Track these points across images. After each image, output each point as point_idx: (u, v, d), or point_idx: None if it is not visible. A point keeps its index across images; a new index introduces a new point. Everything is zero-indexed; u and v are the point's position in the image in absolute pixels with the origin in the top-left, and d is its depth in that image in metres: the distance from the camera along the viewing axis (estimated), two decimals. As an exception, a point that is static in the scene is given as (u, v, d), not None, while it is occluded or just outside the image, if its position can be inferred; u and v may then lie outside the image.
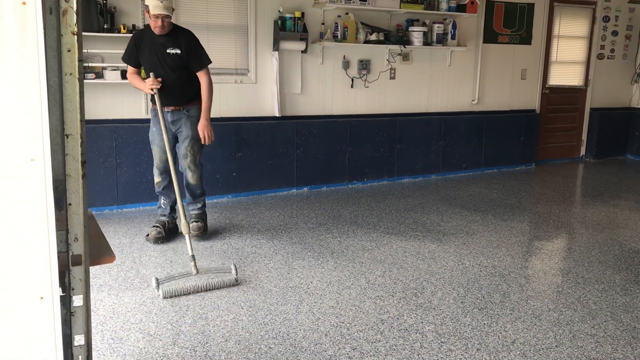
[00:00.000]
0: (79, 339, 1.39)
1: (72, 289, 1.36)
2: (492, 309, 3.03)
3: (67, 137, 1.29)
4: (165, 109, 3.78)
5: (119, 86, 4.58)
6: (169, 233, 3.93)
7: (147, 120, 4.73)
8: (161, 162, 3.85)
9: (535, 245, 4.31)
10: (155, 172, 3.89)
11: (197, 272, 3.20)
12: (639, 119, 7.74)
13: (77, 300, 1.38)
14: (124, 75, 4.49)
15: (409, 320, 2.87)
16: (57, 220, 1.28)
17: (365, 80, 5.74)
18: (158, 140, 3.82)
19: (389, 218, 4.67)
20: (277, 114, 5.26)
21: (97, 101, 4.57)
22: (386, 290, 3.23)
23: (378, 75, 5.81)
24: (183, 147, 3.83)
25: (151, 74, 3.68)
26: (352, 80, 5.67)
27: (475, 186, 5.96)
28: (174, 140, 3.88)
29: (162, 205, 3.98)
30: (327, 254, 3.76)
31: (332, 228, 4.32)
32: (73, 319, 1.38)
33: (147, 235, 3.88)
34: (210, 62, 3.83)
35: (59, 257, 1.30)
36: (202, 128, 3.80)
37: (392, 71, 5.89)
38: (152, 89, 3.68)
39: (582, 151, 7.69)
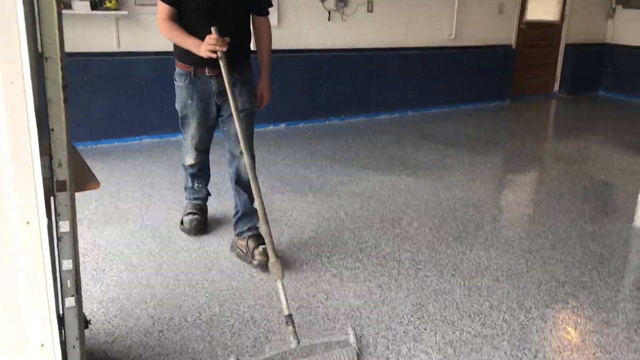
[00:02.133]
0: (67, 264, 1.41)
1: (58, 215, 1.37)
2: (467, 238, 3.13)
3: (47, 60, 1.27)
4: (208, 73, 2.63)
5: (88, 18, 4.43)
6: (206, 219, 3.12)
7: (121, 54, 4.64)
8: (202, 142, 2.86)
9: (509, 178, 4.42)
10: (191, 153, 2.88)
11: (299, 342, 1.97)
12: (613, 55, 7.80)
13: (64, 226, 1.38)
14: (94, 5, 4.33)
15: (386, 249, 2.95)
16: (40, 146, 1.27)
17: (343, 13, 5.64)
18: (201, 115, 2.72)
19: (366, 153, 4.71)
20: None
21: (66, 33, 4.41)
22: (364, 221, 3.30)
23: (355, 8, 5.71)
24: (235, 127, 2.39)
25: (213, 29, 2.38)
26: (329, 13, 5.57)
27: (451, 122, 6.01)
28: (215, 116, 2.76)
29: (195, 188, 3.07)
30: (306, 188, 3.80)
31: (310, 164, 4.34)
32: (60, 244, 1.39)
33: (182, 224, 3.03)
34: None
35: (43, 183, 1.29)
36: (268, 93, 2.81)
37: (370, 4, 5.79)
38: (215, 52, 2.38)
39: (556, 87, 7.77)
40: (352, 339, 2.04)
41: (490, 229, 3.27)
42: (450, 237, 3.12)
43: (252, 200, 2.74)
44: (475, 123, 5.97)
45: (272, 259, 2.09)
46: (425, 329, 2.24)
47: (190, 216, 3.02)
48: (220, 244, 2.92)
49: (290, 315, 1.98)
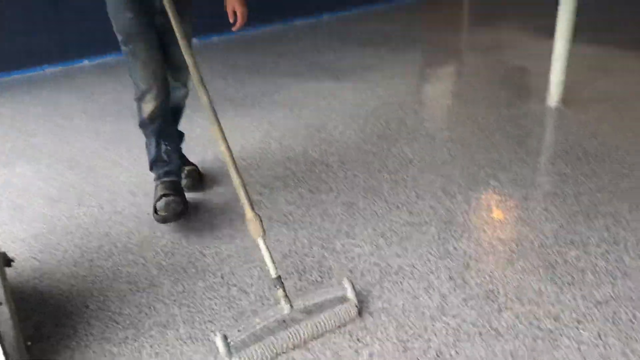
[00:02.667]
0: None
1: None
2: (391, 135, 3.17)
3: None
4: None
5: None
6: (185, 197, 2.37)
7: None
8: (160, 66, 2.21)
9: (428, 72, 4.46)
10: (150, 91, 2.19)
11: (292, 307, 1.70)
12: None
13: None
14: None
15: (313, 154, 2.95)
16: None
17: None
18: (145, 33, 2.15)
19: (285, 62, 4.61)
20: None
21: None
22: (289, 130, 3.27)
23: None
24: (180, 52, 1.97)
25: None
26: None
27: (368, 22, 5.93)
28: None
29: (164, 157, 2.33)
30: (227, 103, 3.70)
31: (228, 77, 4.21)
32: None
33: (156, 212, 2.26)
34: None
35: None
36: (242, 6, 2.29)
37: None
38: None
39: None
40: (350, 293, 1.76)
41: (412, 124, 3.32)
42: (375, 136, 3.15)
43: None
44: (391, 22, 5.92)
45: (249, 214, 1.74)
46: (356, 224, 2.30)
47: (163, 200, 2.26)
48: (144, 166, 2.83)
49: (279, 278, 1.69)
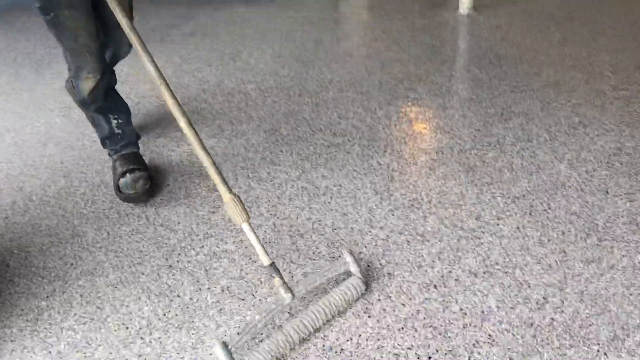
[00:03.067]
0: None
1: None
2: (308, 57, 3.11)
3: None
4: None
5: None
6: (149, 170, 2.10)
7: None
8: (93, 38, 1.86)
9: (340, -10, 4.36)
10: (85, 69, 1.89)
11: (294, 295, 1.46)
12: None
13: None
14: None
15: (230, 84, 2.87)
16: None
17: None
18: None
19: (191, -10, 4.39)
20: None
21: None
22: (203, 61, 3.15)
23: None
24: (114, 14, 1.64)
25: None
26: None
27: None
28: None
29: (117, 131, 2.08)
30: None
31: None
32: None
33: (120, 191, 2.00)
34: None
35: None
36: None
37: None
38: None
39: None
40: (353, 267, 1.56)
41: (329, 44, 3.27)
42: (292, 59, 3.09)
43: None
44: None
45: (226, 197, 1.46)
46: (281, 151, 2.28)
47: (130, 175, 1.97)
48: (50, 115, 2.67)
49: (272, 264, 1.44)
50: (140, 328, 1.51)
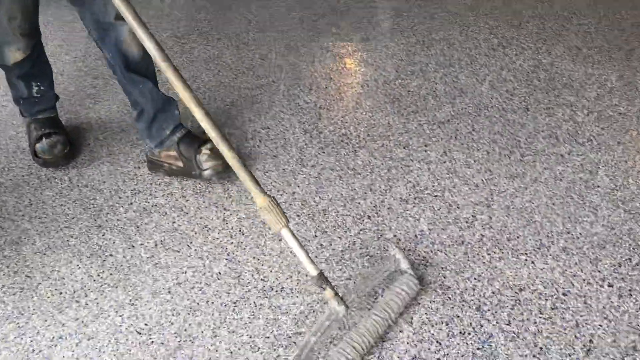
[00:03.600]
0: None
1: None
2: (225, 1, 3.01)
3: None
4: None
5: None
6: (69, 135, 1.99)
7: None
8: (29, 18, 1.71)
9: None
10: (14, 43, 1.72)
11: (348, 307, 1.27)
12: None
13: None
14: None
15: (145, 34, 2.74)
16: None
17: None
18: None
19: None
20: None
21: None
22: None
23: None
24: None
25: None
26: None
27: None
28: None
29: (35, 93, 1.90)
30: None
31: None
32: None
33: (37, 155, 1.90)
34: None
35: None
36: None
37: None
38: None
39: None
40: (403, 264, 1.39)
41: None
42: (207, 3, 2.97)
43: (157, 86, 1.80)
44: None
45: (260, 201, 1.24)
46: (204, 99, 2.21)
47: (47, 140, 1.88)
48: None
49: (321, 275, 1.25)
50: (74, 291, 1.47)
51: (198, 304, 1.41)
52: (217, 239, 1.59)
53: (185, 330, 1.35)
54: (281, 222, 1.22)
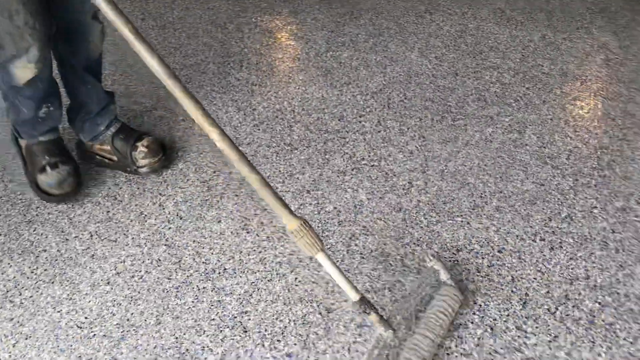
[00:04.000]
0: None
1: None
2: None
3: None
4: None
5: None
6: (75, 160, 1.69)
7: None
8: (43, 17, 1.39)
9: None
10: (28, 54, 1.40)
11: (395, 329, 1.18)
12: None
13: None
14: None
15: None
16: None
17: None
18: None
19: None
20: None
21: None
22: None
23: None
24: None
25: None
26: None
27: None
28: None
29: (42, 115, 1.57)
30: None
31: None
32: None
33: (40, 189, 1.62)
34: None
35: None
36: None
37: None
38: None
39: None
40: (443, 275, 1.29)
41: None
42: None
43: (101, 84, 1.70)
44: None
45: (291, 223, 1.13)
46: (130, 83, 2.13)
47: (53, 171, 1.59)
48: None
49: (363, 299, 1.16)
50: (7, 291, 1.41)
51: (139, 292, 1.38)
52: (154, 225, 1.55)
53: (128, 320, 1.32)
54: (316, 246, 1.12)
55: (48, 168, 1.59)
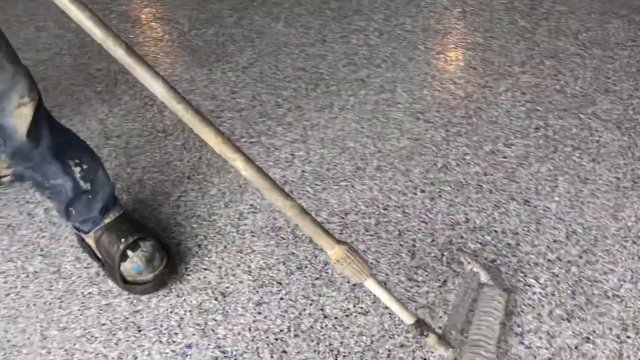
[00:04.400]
0: None
1: None
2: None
3: None
4: None
5: None
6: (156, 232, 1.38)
7: None
8: (17, 59, 1.10)
9: None
10: (12, 95, 1.06)
11: (453, 346, 1.10)
12: None
13: None
14: None
15: None
16: None
17: None
18: None
19: None
20: None
21: None
22: None
23: None
24: None
25: None
26: None
27: None
28: None
29: (83, 186, 1.23)
30: None
31: None
32: None
33: (129, 281, 1.27)
34: None
35: None
36: None
37: None
38: None
39: None
40: (484, 277, 1.22)
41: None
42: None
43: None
44: None
45: (334, 251, 0.98)
46: None
47: (136, 253, 1.26)
48: None
49: (419, 321, 1.07)
50: None
51: (17, 310, 1.28)
52: (26, 236, 1.43)
53: (9, 341, 1.22)
54: (365, 273, 1.00)
55: (129, 252, 1.25)
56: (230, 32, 2.10)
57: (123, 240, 1.25)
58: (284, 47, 2.02)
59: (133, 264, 1.25)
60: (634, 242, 1.33)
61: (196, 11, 2.23)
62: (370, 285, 1.02)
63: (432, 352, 1.15)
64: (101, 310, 1.27)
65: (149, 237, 1.28)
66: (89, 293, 1.30)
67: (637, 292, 1.23)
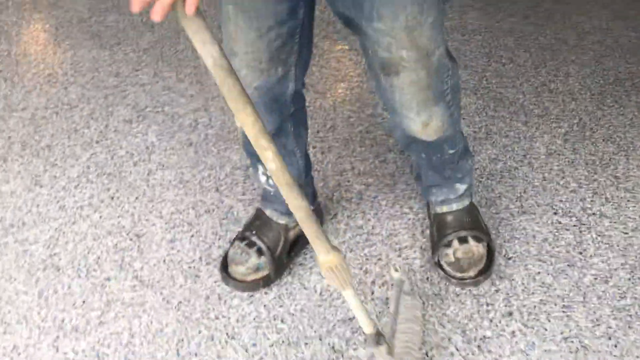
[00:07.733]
0: None
1: None
2: None
3: None
4: None
5: None
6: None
7: None
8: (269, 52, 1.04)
9: None
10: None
11: (393, 355, 1.09)
12: None
13: None
14: None
15: None
16: None
17: None
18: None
19: None
20: None
21: None
22: None
23: None
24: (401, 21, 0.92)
25: None
26: None
27: None
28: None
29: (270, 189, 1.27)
30: None
31: None
32: None
33: (226, 276, 1.27)
34: None
35: None
36: None
37: None
38: None
39: None
40: (407, 285, 1.23)
41: None
42: None
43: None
44: None
45: (328, 258, 0.94)
46: None
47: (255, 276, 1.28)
48: None
49: (379, 333, 1.06)
50: None
51: None
52: None
53: None
54: (348, 282, 0.99)
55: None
56: (130, 19, 2.21)
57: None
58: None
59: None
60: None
61: (95, 1, 2.31)
62: (348, 295, 1.01)
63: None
64: (18, 255, 1.35)
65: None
66: (5, 242, 1.38)
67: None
